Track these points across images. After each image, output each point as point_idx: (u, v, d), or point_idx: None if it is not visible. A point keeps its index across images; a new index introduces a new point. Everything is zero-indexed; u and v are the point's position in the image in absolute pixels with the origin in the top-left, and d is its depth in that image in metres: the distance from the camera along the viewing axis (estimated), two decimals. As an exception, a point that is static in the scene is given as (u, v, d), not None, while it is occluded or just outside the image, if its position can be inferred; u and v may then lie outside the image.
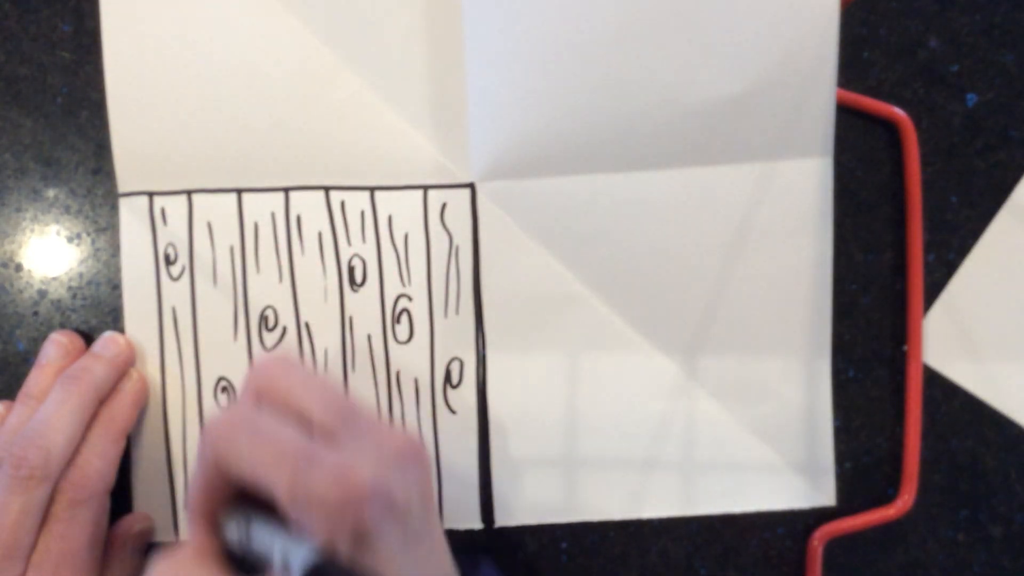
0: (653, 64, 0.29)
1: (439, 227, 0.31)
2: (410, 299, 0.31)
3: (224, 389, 0.31)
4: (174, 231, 0.31)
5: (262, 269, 0.31)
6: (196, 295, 0.31)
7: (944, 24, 0.34)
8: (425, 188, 0.31)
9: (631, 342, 0.31)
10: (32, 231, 0.32)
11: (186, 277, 0.31)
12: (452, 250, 0.31)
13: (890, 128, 0.33)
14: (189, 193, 0.31)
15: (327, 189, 0.31)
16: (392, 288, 0.31)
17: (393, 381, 0.31)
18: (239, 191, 0.31)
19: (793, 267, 0.31)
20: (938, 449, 0.34)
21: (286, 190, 0.31)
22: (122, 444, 0.30)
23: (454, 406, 0.31)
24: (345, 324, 0.31)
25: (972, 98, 0.34)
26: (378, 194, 0.31)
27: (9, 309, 0.32)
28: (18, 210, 0.33)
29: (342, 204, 0.31)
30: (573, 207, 0.30)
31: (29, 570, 0.26)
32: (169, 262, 0.31)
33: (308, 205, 0.31)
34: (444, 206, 0.31)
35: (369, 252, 0.31)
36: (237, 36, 0.30)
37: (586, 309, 0.31)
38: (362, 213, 0.31)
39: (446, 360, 0.31)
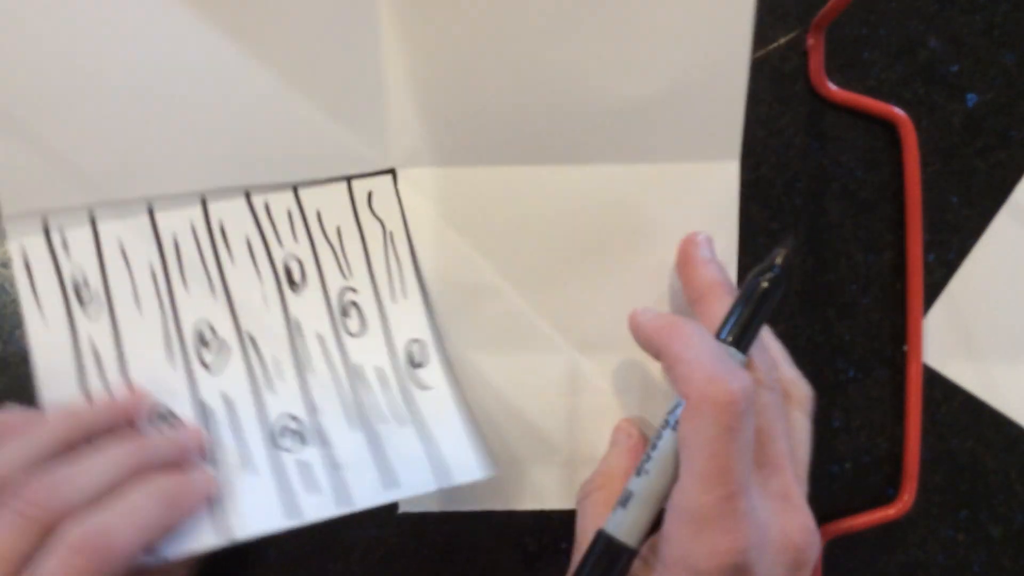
0: (573, 59, 0.28)
1: (369, 216, 0.30)
2: (355, 291, 0.30)
3: (164, 417, 0.29)
4: (80, 261, 0.28)
5: (190, 285, 0.29)
6: (119, 328, 0.28)
7: (944, 24, 0.34)
8: (348, 179, 0.30)
9: (543, 336, 0.31)
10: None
11: (103, 310, 0.28)
12: (387, 237, 0.30)
13: (890, 128, 0.33)
14: (92, 217, 0.28)
15: (247, 193, 0.29)
16: (334, 283, 0.30)
17: (355, 375, 0.30)
18: (150, 207, 0.29)
19: None
20: (938, 449, 0.34)
21: (203, 200, 0.29)
22: (168, 522, 0.26)
23: (426, 383, 0.30)
24: (292, 328, 0.30)
25: (972, 98, 0.34)
26: (302, 191, 0.30)
27: (9, 309, 0.32)
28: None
29: (266, 206, 0.30)
30: (491, 197, 0.30)
31: None
32: (80, 297, 0.28)
33: (230, 211, 0.29)
34: (370, 195, 0.30)
35: (303, 251, 0.30)
36: (133, 35, 0.27)
37: (501, 300, 0.31)
38: (288, 212, 0.30)
39: (404, 343, 0.30)
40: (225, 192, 0.29)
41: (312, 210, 0.30)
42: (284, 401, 0.29)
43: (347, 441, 0.29)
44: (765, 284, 0.25)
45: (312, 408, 0.29)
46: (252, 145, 0.29)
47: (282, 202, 0.30)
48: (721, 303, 0.26)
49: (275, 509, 0.27)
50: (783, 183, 0.34)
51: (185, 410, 0.29)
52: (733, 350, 0.25)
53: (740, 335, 0.25)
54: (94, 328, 0.28)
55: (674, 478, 0.23)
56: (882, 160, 0.34)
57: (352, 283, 0.30)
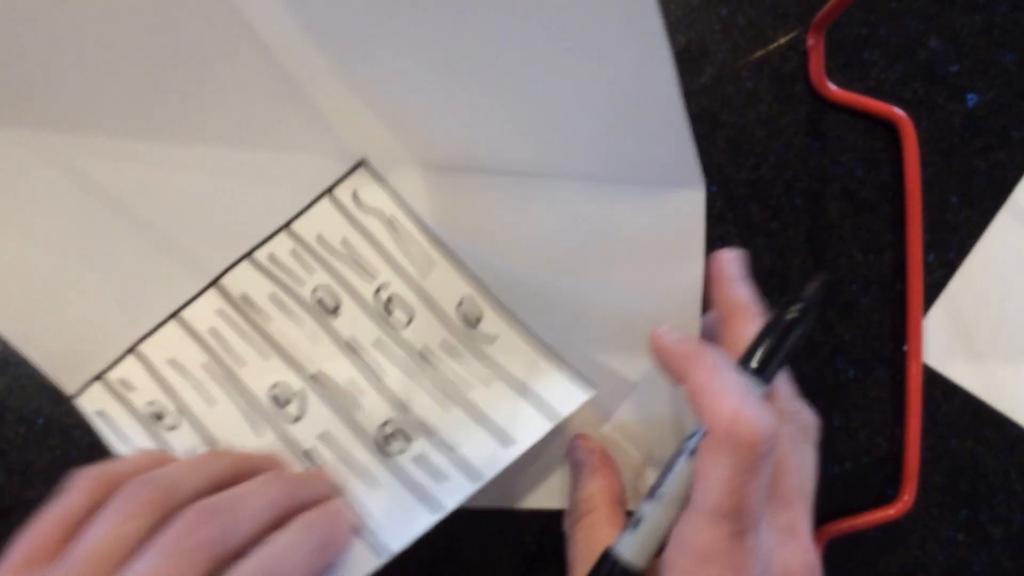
0: (541, 71, 0.26)
1: (363, 213, 0.30)
2: (386, 286, 0.30)
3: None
4: (143, 390, 0.30)
5: (244, 361, 0.30)
6: (202, 426, 0.30)
7: (944, 24, 0.34)
8: (328, 191, 0.30)
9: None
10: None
11: (183, 418, 0.30)
12: (388, 222, 0.30)
13: (890, 128, 0.33)
14: (135, 351, 0.30)
15: (250, 256, 0.30)
16: (365, 290, 0.30)
17: (425, 360, 0.30)
18: (176, 317, 0.30)
19: (664, 292, 0.29)
20: (938, 449, 0.34)
21: (217, 284, 0.30)
22: (328, 559, 0.26)
23: (491, 334, 0.30)
24: (349, 348, 0.30)
25: (972, 98, 0.34)
26: (295, 226, 0.30)
27: (9, 309, 0.32)
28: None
29: (271, 257, 0.30)
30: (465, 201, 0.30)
31: None
32: (159, 418, 0.30)
33: (244, 280, 0.30)
34: (355, 193, 0.30)
35: (323, 278, 0.30)
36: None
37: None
38: (293, 252, 0.30)
39: (453, 308, 0.30)
40: (232, 266, 0.30)
41: (312, 237, 0.30)
42: (374, 413, 0.30)
43: (448, 421, 0.29)
44: (794, 314, 0.25)
45: (402, 407, 0.29)
46: (232, 214, 0.30)
47: (283, 246, 0.30)
48: (749, 326, 0.26)
49: (416, 509, 0.28)
50: (783, 183, 0.34)
51: (293, 464, 0.30)
52: (757, 380, 0.24)
53: (765, 365, 0.24)
54: (178, 435, 0.30)
55: (685, 505, 0.23)
56: (882, 160, 0.34)
57: (380, 280, 0.30)
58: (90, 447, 0.34)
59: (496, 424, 0.28)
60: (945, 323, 0.34)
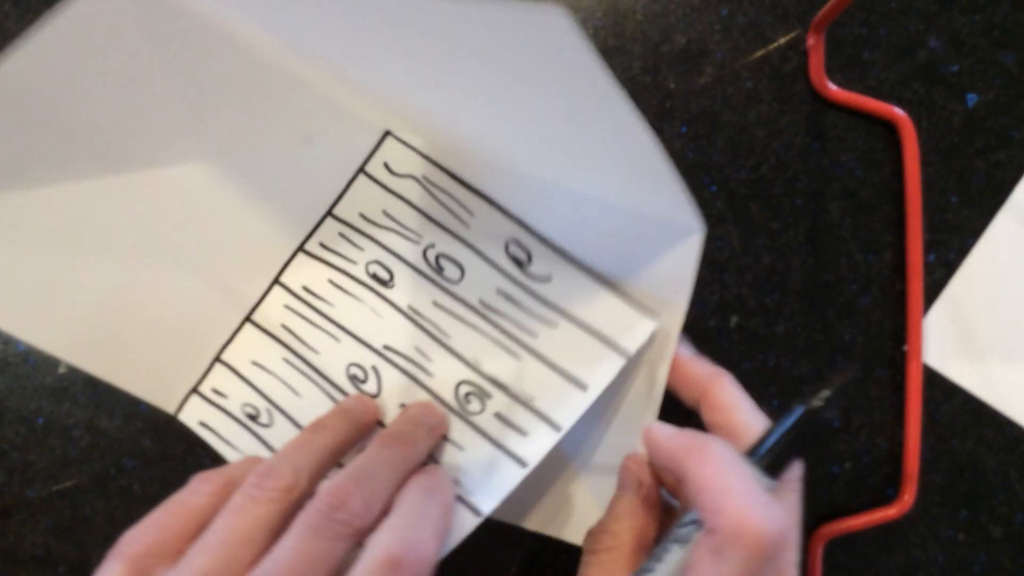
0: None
1: (398, 181, 0.31)
2: (433, 245, 0.30)
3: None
4: (234, 394, 0.31)
5: (318, 350, 0.31)
6: (293, 417, 0.31)
7: (944, 24, 0.34)
8: (361, 168, 0.31)
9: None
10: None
11: (275, 413, 0.31)
12: (423, 183, 0.30)
13: (890, 128, 0.33)
14: (221, 360, 0.32)
15: (302, 248, 0.31)
16: (413, 254, 0.30)
17: (485, 313, 0.30)
18: (249, 320, 0.32)
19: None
20: (938, 449, 0.34)
21: (279, 281, 0.31)
22: (449, 523, 0.26)
23: (544, 275, 0.29)
24: (411, 315, 0.30)
25: (972, 98, 0.34)
26: (337, 210, 0.31)
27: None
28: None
29: (321, 244, 0.31)
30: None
31: None
32: (254, 418, 0.31)
33: (302, 272, 0.31)
34: (386, 164, 0.31)
35: (373, 252, 0.31)
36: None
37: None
38: (340, 234, 0.31)
39: (501, 253, 0.30)
40: (288, 261, 0.32)
41: (355, 216, 0.31)
42: (447, 377, 0.30)
43: (519, 372, 0.29)
44: (812, 411, 0.23)
45: (472, 366, 0.29)
46: (279, 212, 0.31)
47: (330, 231, 0.31)
48: (728, 393, 0.25)
49: (504, 466, 0.28)
50: (783, 183, 0.34)
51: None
52: (762, 475, 0.22)
53: (774, 461, 0.23)
54: (274, 431, 0.31)
55: None
56: (882, 160, 0.34)
57: (426, 241, 0.30)
58: (90, 447, 0.34)
59: (568, 370, 0.28)
60: (945, 323, 0.34)
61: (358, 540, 0.23)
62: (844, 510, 0.33)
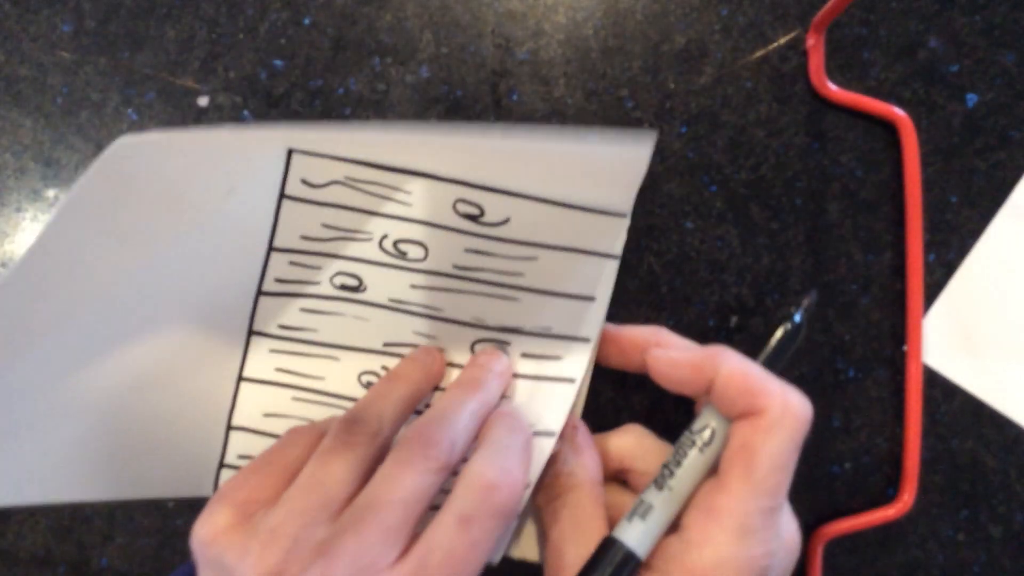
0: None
1: (324, 191, 0.29)
2: (385, 235, 0.29)
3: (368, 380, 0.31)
4: (263, 448, 0.30)
5: (320, 375, 0.31)
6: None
7: (944, 24, 0.34)
8: (281, 194, 0.29)
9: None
10: (32, 231, 0.32)
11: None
12: (348, 184, 0.29)
13: (890, 128, 0.33)
14: (230, 427, 0.32)
15: (260, 291, 0.31)
16: (370, 252, 0.30)
17: (461, 270, 0.29)
18: (242, 380, 0.31)
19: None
20: (938, 449, 0.34)
21: (252, 332, 0.31)
22: (530, 457, 0.27)
23: (498, 219, 0.29)
24: (394, 306, 0.30)
25: (972, 98, 0.34)
26: (276, 242, 0.30)
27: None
28: (18, 210, 0.33)
29: (278, 280, 0.31)
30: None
31: (407, 561, 0.22)
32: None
33: (272, 314, 0.31)
34: (303, 180, 0.29)
35: (329, 265, 0.30)
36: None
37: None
38: (291, 262, 0.30)
39: (451, 209, 0.29)
40: (253, 309, 0.31)
41: (297, 241, 0.30)
42: (459, 344, 0.30)
43: (524, 311, 0.29)
44: (780, 332, 0.26)
45: (478, 325, 0.30)
46: (224, 273, 0.30)
47: (280, 264, 0.30)
48: (674, 337, 0.27)
49: (555, 390, 0.28)
50: (783, 183, 0.34)
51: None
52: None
53: (775, 361, 0.26)
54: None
55: (692, 495, 0.24)
56: (882, 160, 0.34)
57: (377, 235, 0.30)
58: (90, 447, 0.34)
59: (569, 291, 0.29)
60: (945, 323, 0.34)
61: (446, 476, 0.24)
62: (844, 510, 0.33)
